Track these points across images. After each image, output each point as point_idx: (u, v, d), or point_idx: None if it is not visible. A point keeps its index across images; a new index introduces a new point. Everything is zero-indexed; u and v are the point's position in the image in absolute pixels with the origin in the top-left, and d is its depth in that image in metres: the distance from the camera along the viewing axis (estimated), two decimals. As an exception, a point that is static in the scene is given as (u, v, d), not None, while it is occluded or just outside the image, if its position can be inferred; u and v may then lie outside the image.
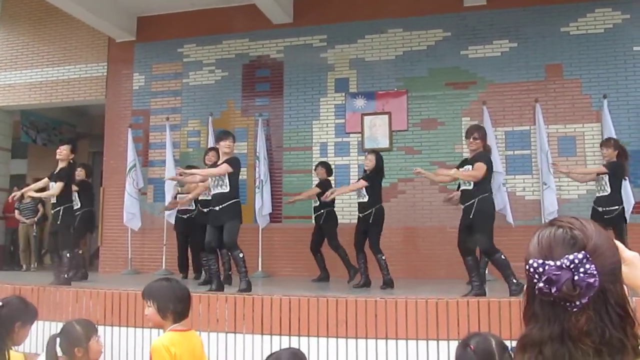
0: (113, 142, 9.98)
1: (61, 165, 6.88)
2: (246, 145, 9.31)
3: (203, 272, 7.34)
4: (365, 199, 6.92)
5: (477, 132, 5.84)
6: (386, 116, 8.86)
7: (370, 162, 7.01)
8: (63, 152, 6.88)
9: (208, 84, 9.78)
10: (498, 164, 7.78)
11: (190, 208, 8.08)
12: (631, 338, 1.08)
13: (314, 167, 8.36)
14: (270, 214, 8.68)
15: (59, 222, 6.87)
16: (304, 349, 5.04)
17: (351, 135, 9.04)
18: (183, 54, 9.93)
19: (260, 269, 8.53)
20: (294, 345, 5.03)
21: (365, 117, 8.95)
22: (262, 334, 5.21)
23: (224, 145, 6.28)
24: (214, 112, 9.47)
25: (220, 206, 6.18)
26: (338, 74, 9.20)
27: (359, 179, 7.36)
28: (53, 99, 10.59)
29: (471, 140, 5.81)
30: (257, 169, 8.75)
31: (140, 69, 10.13)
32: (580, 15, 8.38)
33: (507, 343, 2.19)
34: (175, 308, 2.88)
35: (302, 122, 9.16)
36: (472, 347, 1.80)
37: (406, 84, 8.88)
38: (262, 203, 8.54)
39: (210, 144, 9.07)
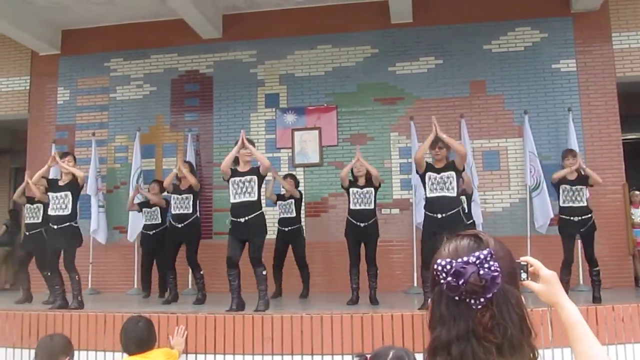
0: (36, 158, 9.62)
1: (69, 177, 6.58)
2: (175, 161, 9.12)
3: (168, 290, 7.24)
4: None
5: (441, 141, 5.93)
6: (316, 131, 8.91)
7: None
8: (70, 163, 6.61)
9: (136, 99, 9.60)
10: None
11: (157, 223, 7.93)
12: (527, 344, 1.14)
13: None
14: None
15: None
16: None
17: (282, 150, 9.04)
18: (110, 68, 9.72)
19: (190, 286, 8.41)
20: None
21: (296, 133, 8.98)
22: (186, 353, 5.11)
23: (244, 154, 6.00)
24: (142, 127, 9.28)
25: (249, 217, 5.91)
26: (268, 89, 9.20)
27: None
28: (-28, 114, 10.17)
29: (437, 150, 5.91)
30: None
31: (65, 83, 9.85)
32: (502, 34, 8.68)
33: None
34: (130, 349, 3.59)
35: (233, 138, 9.01)
36: (367, 357, 1.81)
37: (336, 99, 8.96)
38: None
39: (137, 159, 8.90)
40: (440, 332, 1.15)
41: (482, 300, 1.12)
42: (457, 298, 1.14)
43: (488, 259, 1.14)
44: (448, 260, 1.15)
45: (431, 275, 1.20)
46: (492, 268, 1.13)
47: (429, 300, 1.21)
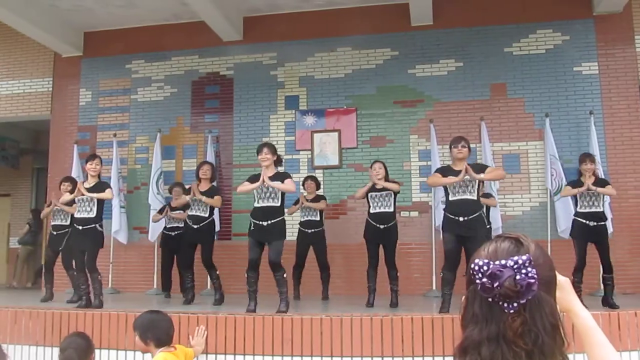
0: (58, 158, 9.76)
1: (95, 180, 6.63)
2: (195, 162, 9.19)
3: (186, 291, 7.21)
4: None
5: (464, 140, 5.88)
6: (336, 133, 8.92)
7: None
8: (98, 166, 6.65)
9: (157, 100, 9.68)
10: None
11: (180, 225, 7.96)
12: (560, 352, 1.13)
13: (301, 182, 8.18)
14: (218, 231, 8.59)
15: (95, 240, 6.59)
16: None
17: (301, 152, 9.06)
18: (131, 70, 9.81)
19: (208, 286, 8.43)
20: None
21: (315, 135, 8.99)
22: (206, 353, 5.14)
23: (262, 159, 5.97)
24: (163, 128, 9.35)
25: (271, 221, 5.89)
26: (288, 91, 9.23)
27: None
28: (-5, 115, 10.32)
29: (460, 148, 5.81)
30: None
31: (87, 84, 9.96)
32: (523, 36, 8.63)
33: None
34: (153, 336, 3.85)
35: (252, 139, 9.11)
36: None
37: (355, 101, 8.96)
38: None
39: (158, 160, 8.96)
40: (472, 332, 1.15)
41: (515, 305, 1.11)
42: (490, 300, 1.13)
43: (526, 264, 1.12)
44: (486, 261, 1.14)
45: (467, 274, 1.19)
46: (529, 274, 1.11)
47: (463, 297, 1.21)
